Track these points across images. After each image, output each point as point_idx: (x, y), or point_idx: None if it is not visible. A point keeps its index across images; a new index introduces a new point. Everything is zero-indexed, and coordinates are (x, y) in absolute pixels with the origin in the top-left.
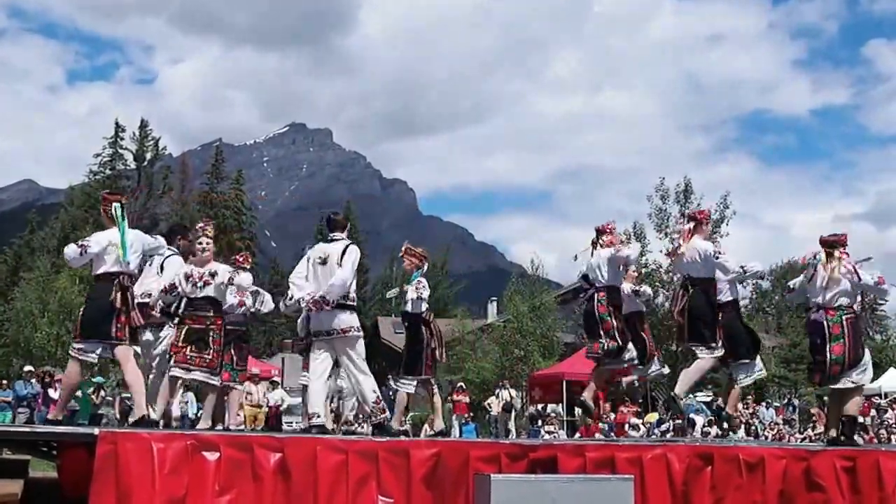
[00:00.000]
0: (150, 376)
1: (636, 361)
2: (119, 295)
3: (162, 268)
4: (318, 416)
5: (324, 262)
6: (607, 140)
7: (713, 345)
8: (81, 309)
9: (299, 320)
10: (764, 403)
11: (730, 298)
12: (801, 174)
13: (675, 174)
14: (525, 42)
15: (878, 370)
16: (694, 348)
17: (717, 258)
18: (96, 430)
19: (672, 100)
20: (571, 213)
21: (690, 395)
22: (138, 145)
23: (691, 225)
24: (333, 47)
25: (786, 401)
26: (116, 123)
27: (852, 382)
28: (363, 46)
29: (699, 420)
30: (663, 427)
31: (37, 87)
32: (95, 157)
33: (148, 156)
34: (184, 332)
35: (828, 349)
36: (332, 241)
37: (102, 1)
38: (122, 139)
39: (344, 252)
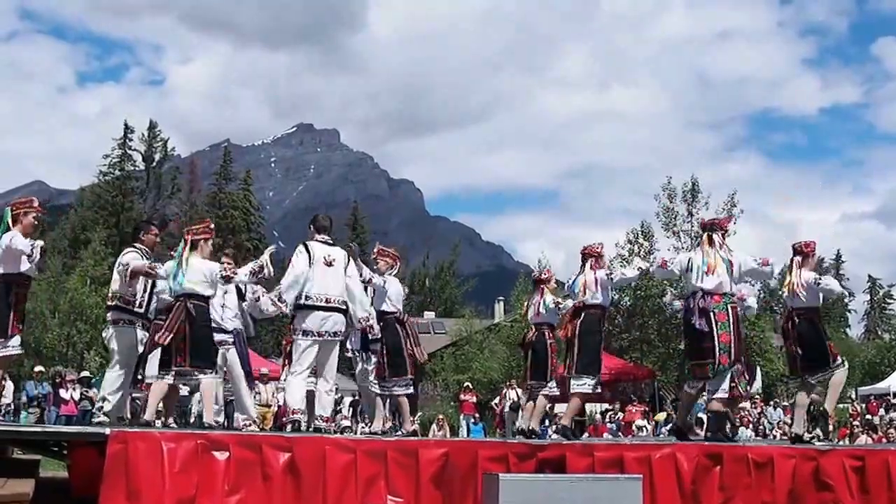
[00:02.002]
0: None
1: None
2: None
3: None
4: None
5: (329, 264)
6: (615, 138)
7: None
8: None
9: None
10: (772, 403)
11: (598, 301)
12: (810, 172)
13: (684, 172)
14: (532, 40)
15: (887, 370)
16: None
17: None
18: (107, 430)
19: (680, 98)
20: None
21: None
22: (147, 146)
23: (799, 258)
24: (341, 47)
25: (793, 400)
26: (125, 124)
27: (724, 393)
28: (371, 46)
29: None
30: (671, 426)
31: (47, 88)
32: (104, 159)
33: (157, 157)
34: None
35: (715, 336)
36: (327, 243)
37: (112, 1)
38: (130, 140)
39: (348, 260)
